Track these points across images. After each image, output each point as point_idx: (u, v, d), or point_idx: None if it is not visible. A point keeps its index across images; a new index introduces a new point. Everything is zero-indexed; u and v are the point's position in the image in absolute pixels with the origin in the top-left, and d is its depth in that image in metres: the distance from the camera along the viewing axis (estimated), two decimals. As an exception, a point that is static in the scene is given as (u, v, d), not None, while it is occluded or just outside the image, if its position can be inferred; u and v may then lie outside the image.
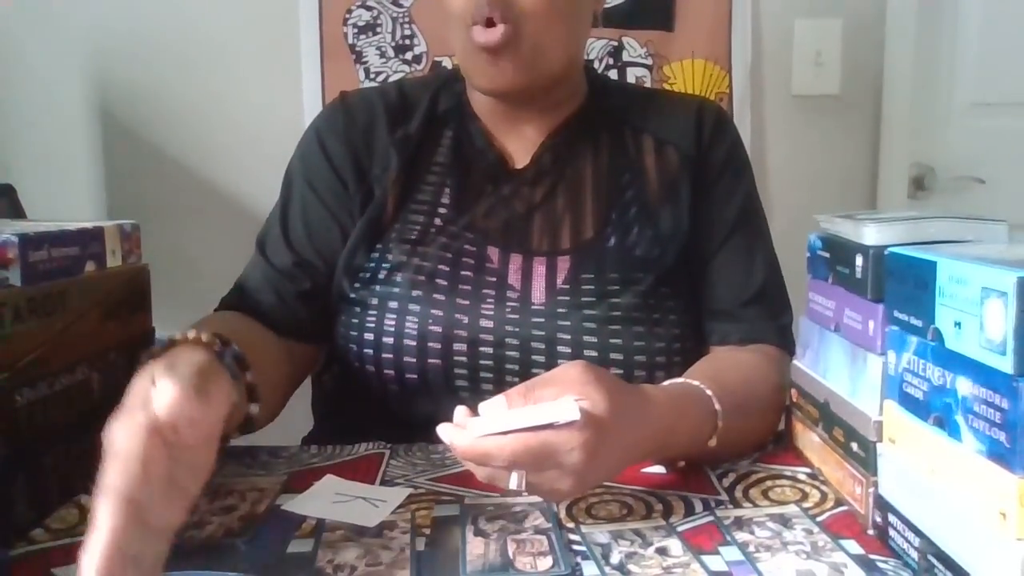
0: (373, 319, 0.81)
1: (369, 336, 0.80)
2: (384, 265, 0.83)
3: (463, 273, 0.82)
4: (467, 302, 0.80)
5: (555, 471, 0.55)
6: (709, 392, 0.68)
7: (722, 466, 0.71)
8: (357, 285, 0.83)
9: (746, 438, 0.74)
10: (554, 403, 0.55)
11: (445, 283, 0.81)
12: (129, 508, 0.44)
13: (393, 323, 0.80)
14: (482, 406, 0.56)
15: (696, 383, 0.69)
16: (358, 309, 0.82)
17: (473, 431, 0.54)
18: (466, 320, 0.79)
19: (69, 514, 0.62)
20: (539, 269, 0.82)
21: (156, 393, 0.48)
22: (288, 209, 0.88)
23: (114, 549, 0.43)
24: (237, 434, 0.68)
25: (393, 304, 0.80)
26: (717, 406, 0.68)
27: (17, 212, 1.34)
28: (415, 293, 0.80)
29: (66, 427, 0.64)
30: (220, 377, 0.54)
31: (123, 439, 0.46)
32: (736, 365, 0.80)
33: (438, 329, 0.79)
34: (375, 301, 0.81)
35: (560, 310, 0.80)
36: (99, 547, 0.43)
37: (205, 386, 0.50)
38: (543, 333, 0.79)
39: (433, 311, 0.79)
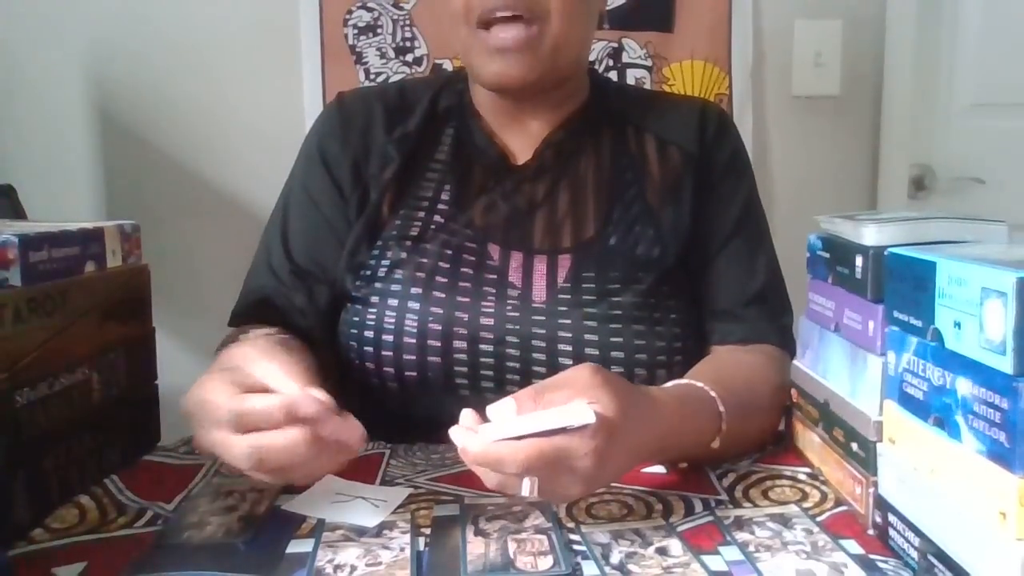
0: (373, 316, 0.81)
1: (369, 334, 0.80)
2: (384, 262, 0.83)
3: (463, 270, 0.82)
4: (467, 299, 0.80)
5: (567, 476, 0.55)
6: (713, 394, 0.68)
7: (722, 466, 0.71)
8: (358, 283, 0.83)
9: (748, 439, 0.74)
10: (566, 407, 0.54)
11: (445, 280, 0.81)
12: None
13: (393, 320, 0.80)
14: (490, 410, 0.56)
15: (700, 384, 0.69)
16: (359, 307, 0.83)
17: (485, 436, 0.54)
18: (466, 318, 0.79)
19: (69, 514, 0.62)
20: (540, 267, 0.82)
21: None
22: (288, 218, 0.88)
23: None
24: None
25: (393, 301, 0.80)
26: (721, 408, 0.68)
27: (17, 212, 1.34)
28: (414, 290, 0.80)
29: (66, 427, 0.64)
30: None
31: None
32: (738, 366, 0.80)
33: (438, 326, 0.79)
34: (375, 299, 0.82)
35: (561, 308, 0.80)
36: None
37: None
38: (544, 331, 0.79)
39: (433, 308, 0.79)
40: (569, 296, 0.81)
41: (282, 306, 0.85)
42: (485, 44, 0.78)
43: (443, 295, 0.80)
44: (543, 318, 0.80)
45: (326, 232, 0.86)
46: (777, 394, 0.78)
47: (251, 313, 0.85)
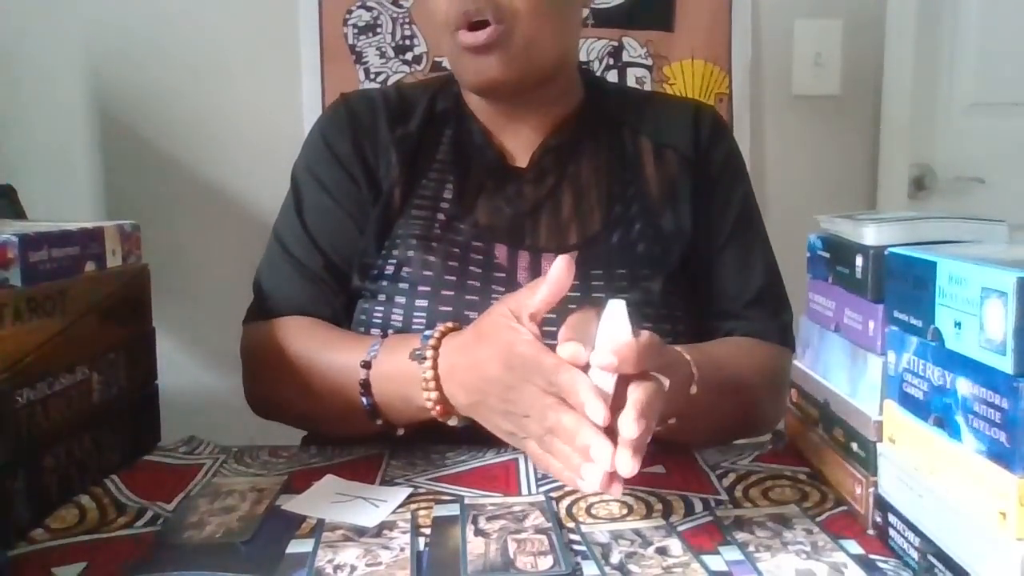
0: (380, 313, 0.81)
1: (376, 332, 0.80)
2: (391, 261, 0.83)
3: (472, 269, 0.82)
4: (476, 298, 0.80)
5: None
6: (687, 356, 0.67)
7: (722, 466, 0.71)
8: (367, 281, 0.84)
9: (728, 406, 0.73)
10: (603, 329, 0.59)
11: (454, 278, 0.81)
12: None
13: (400, 317, 0.80)
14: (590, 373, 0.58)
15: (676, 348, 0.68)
16: (365, 305, 0.83)
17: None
18: (475, 316, 0.79)
19: (69, 514, 0.62)
20: (547, 267, 0.82)
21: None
22: (303, 214, 0.88)
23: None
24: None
25: (400, 299, 0.80)
26: (688, 357, 0.67)
27: (17, 212, 1.34)
28: (423, 288, 0.80)
29: (66, 427, 0.64)
30: None
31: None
32: (721, 342, 0.82)
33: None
34: (382, 296, 0.82)
35: (570, 306, 0.80)
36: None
37: None
38: (554, 329, 0.79)
39: (442, 307, 0.79)
40: (578, 294, 0.80)
41: (318, 299, 0.85)
42: (460, 47, 0.79)
43: (452, 293, 0.80)
44: (553, 316, 0.80)
45: (350, 227, 0.86)
46: (767, 374, 0.78)
47: (291, 306, 0.85)
